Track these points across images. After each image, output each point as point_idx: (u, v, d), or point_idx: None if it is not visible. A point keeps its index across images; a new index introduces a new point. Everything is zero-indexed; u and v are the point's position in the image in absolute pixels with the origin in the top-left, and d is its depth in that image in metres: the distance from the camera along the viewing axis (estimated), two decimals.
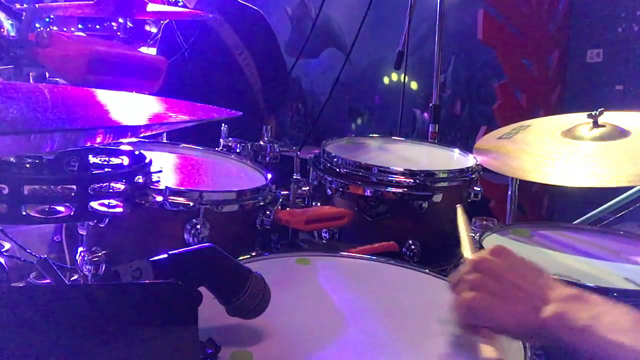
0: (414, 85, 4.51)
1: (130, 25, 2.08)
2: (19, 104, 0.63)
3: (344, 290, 1.10)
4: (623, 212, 2.24)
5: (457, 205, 1.27)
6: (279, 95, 3.13)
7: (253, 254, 1.22)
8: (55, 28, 3.76)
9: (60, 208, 0.90)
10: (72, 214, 0.91)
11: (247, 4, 3.00)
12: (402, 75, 2.63)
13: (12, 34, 1.63)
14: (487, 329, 0.85)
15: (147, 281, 0.79)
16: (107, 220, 1.27)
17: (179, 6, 3.30)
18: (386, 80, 4.96)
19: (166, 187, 1.18)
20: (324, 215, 1.49)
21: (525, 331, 0.85)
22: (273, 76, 2.99)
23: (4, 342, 0.66)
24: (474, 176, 1.64)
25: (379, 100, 5.11)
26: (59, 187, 0.89)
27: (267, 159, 1.66)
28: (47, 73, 1.86)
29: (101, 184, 0.93)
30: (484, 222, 1.65)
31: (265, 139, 1.68)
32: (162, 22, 2.87)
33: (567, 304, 0.83)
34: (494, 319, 0.85)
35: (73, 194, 0.90)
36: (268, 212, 1.37)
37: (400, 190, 1.53)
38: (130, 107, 0.82)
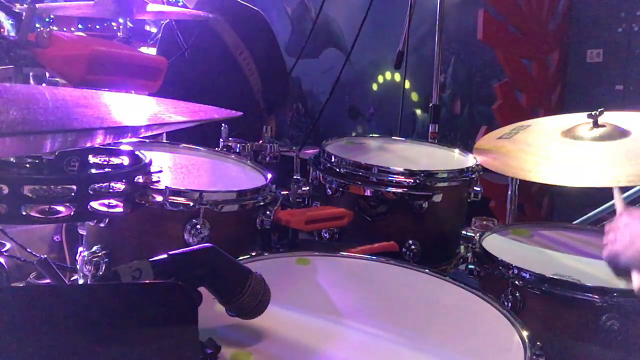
0: (414, 95, 4.51)
1: (130, 25, 2.07)
2: (19, 106, 0.63)
3: (344, 290, 1.10)
4: None
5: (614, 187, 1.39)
6: (279, 95, 3.13)
7: (253, 254, 1.22)
8: (55, 28, 3.76)
9: (60, 208, 0.90)
10: (72, 214, 0.90)
11: (247, 4, 3.00)
12: (403, 76, 2.63)
13: (12, 34, 1.63)
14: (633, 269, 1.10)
15: (147, 281, 0.79)
16: (107, 220, 1.27)
17: (179, 6, 3.30)
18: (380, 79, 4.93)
19: (166, 187, 1.18)
20: (324, 215, 1.49)
21: None
22: (273, 76, 2.99)
23: (4, 342, 0.66)
24: (474, 176, 1.64)
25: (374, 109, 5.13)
26: (59, 187, 0.89)
27: (267, 159, 1.66)
28: (47, 73, 1.86)
29: (101, 184, 0.93)
30: (484, 222, 1.66)
31: (265, 139, 1.68)
32: (162, 22, 2.87)
33: None
34: (621, 258, 1.12)
35: (73, 194, 0.90)
36: (268, 212, 1.37)
37: (400, 190, 1.53)
38: (131, 107, 0.82)
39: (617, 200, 1.31)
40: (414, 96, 4.54)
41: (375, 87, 5.02)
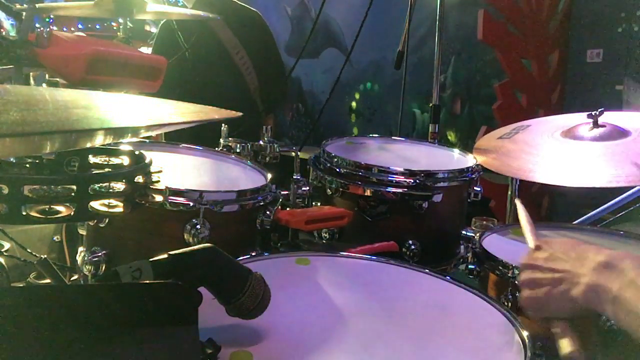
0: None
1: (130, 25, 2.08)
2: (19, 106, 0.63)
3: (344, 290, 1.10)
4: (623, 212, 2.24)
5: (516, 200, 1.23)
6: (276, 95, 3.13)
7: (253, 254, 1.22)
8: (55, 28, 3.76)
9: (60, 208, 0.90)
10: (72, 214, 0.91)
11: (244, 5, 3.00)
12: (403, 76, 2.62)
13: (12, 34, 1.63)
14: (559, 321, 0.89)
15: (147, 281, 0.79)
16: (107, 220, 1.27)
17: (179, 6, 3.30)
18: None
19: (166, 187, 1.18)
20: (324, 215, 1.49)
21: (574, 310, 0.87)
22: (270, 76, 2.99)
23: (4, 342, 0.66)
24: (474, 176, 1.64)
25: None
26: (59, 187, 0.89)
27: (267, 159, 1.66)
28: (47, 73, 1.86)
29: (101, 184, 0.93)
30: (484, 222, 1.66)
31: (265, 139, 1.68)
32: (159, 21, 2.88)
33: (598, 275, 0.84)
34: (548, 307, 0.90)
35: (73, 194, 0.90)
36: (268, 212, 1.37)
37: (400, 190, 1.53)
38: (131, 107, 0.82)
39: (526, 230, 1.07)
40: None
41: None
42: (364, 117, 5.26)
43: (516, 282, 0.97)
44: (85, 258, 1.29)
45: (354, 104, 5.29)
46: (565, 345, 0.86)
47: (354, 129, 5.31)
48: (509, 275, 1.24)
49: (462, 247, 1.68)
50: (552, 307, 0.90)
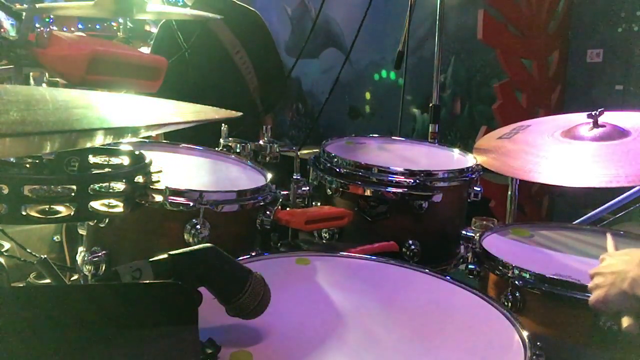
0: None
1: (130, 25, 2.08)
2: (19, 106, 0.63)
3: (344, 290, 1.10)
4: (623, 212, 2.24)
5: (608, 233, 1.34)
6: (276, 94, 3.12)
7: (253, 254, 1.22)
8: (55, 28, 3.76)
9: (60, 208, 0.90)
10: (72, 214, 0.91)
11: (244, 5, 3.00)
12: (402, 76, 2.63)
13: (12, 34, 1.63)
14: (624, 313, 1.05)
15: (147, 281, 0.79)
16: (107, 220, 1.27)
17: (179, 6, 3.30)
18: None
19: (166, 187, 1.18)
20: (324, 215, 1.49)
21: (630, 302, 1.03)
22: (270, 75, 2.98)
23: (4, 342, 0.66)
24: (474, 176, 1.64)
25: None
26: (59, 187, 0.89)
27: (267, 159, 1.66)
28: (47, 73, 1.85)
29: (101, 184, 0.93)
30: (484, 222, 1.66)
31: (265, 138, 1.68)
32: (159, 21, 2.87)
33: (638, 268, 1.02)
34: (610, 304, 1.05)
35: (73, 194, 0.90)
36: (268, 212, 1.37)
37: (400, 190, 1.53)
38: (131, 108, 0.81)
39: (610, 245, 1.26)
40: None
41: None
42: (365, 117, 5.26)
43: (587, 288, 1.11)
44: (85, 258, 1.29)
45: (367, 94, 5.22)
46: (625, 321, 1.04)
47: (368, 113, 5.25)
48: (509, 275, 1.24)
49: (462, 247, 1.68)
50: (612, 303, 1.05)
